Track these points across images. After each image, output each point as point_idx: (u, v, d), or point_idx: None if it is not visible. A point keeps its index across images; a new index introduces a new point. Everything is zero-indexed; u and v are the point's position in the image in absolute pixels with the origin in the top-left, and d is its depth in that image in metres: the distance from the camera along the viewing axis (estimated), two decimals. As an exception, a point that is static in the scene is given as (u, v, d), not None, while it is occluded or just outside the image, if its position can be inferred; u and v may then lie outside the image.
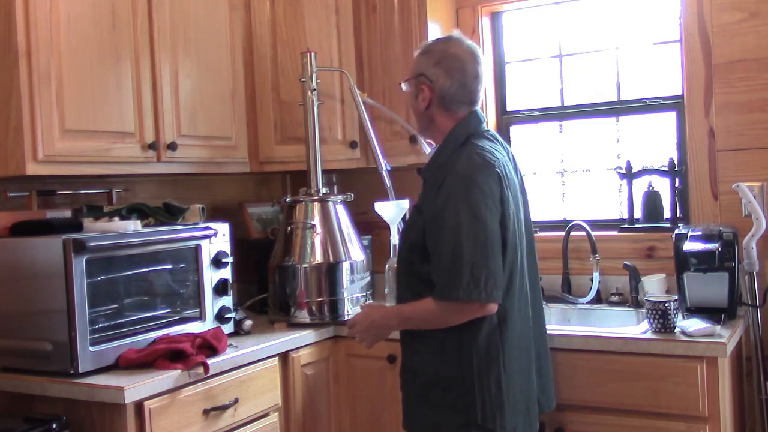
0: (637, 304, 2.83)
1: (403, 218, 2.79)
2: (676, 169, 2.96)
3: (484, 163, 2.06)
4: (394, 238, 2.78)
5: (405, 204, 2.77)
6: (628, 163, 3.04)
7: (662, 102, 3.07)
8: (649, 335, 2.37)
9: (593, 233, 2.94)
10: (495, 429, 2.06)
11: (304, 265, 2.78)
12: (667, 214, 3.00)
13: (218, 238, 2.58)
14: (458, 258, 1.96)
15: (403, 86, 2.29)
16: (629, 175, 3.03)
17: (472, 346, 2.05)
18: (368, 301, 2.89)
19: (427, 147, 2.71)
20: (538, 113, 3.33)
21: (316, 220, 2.83)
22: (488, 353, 2.06)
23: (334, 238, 2.83)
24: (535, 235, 2.97)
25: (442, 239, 2.00)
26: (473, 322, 2.04)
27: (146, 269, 2.39)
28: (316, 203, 2.85)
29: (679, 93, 2.99)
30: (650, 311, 2.40)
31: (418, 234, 2.10)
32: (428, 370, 2.13)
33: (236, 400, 2.35)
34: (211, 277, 2.56)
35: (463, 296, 1.96)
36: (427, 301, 2.04)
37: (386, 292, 2.96)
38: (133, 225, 2.39)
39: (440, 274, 2.00)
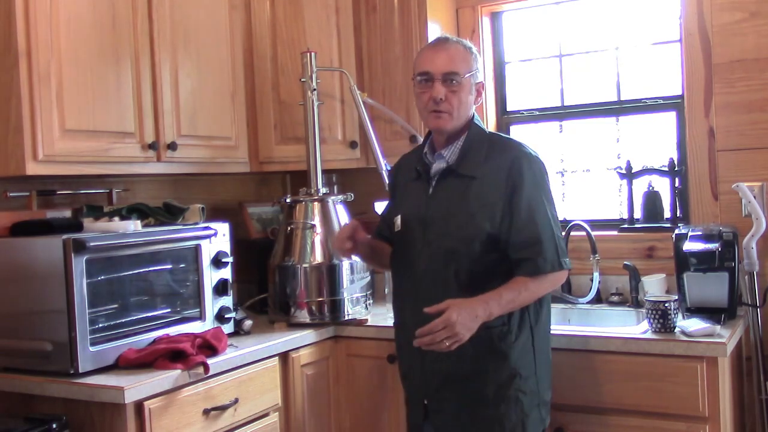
0: (637, 304, 2.83)
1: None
2: (676, 169, 2.96)
3: (536, 152, 2.22)
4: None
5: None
6: (628, 163, 3.04)
7: (662, 102, 3.07)
8: (649, 335, 2.37)
9: (593, 233, 2.94)
10: (550, 402, 2.23)
11: (304, 265, 2.78)
12: (667, 214, 3.01)
13: (218, 238, 2.58)
14: (553, 234, 2.12)
15: (464, 81, 2.16)
16: (629, 175, 3.03)
17: (543, 331, 2.21)
18: (369, 302, 2.88)
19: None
20: (538, 113, 3.34)
21: (316, 220, 2.83)
22: (548, 335, 2.25)
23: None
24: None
25: (538, 221, 2.11)
26: (545, 307, 2.21)
27: (146, 269, 2.39)
28: (316, 203, 2.85)
29: (679, 93, 2.99)
30: (650, 311, 2.40)
31: (490, 224, 2.11)
32: (500, 369, 2.12)
33: (236, 400, 2.35)
34: (211, 277, 2.56)
35: (566, 265, 2.14)
36: (520, 281, 2.09)
37: (386, 292, 2.96)
38: (133, 225, 2.39)
39: (543, 250, 2.09)
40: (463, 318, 1.95)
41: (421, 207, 2.22)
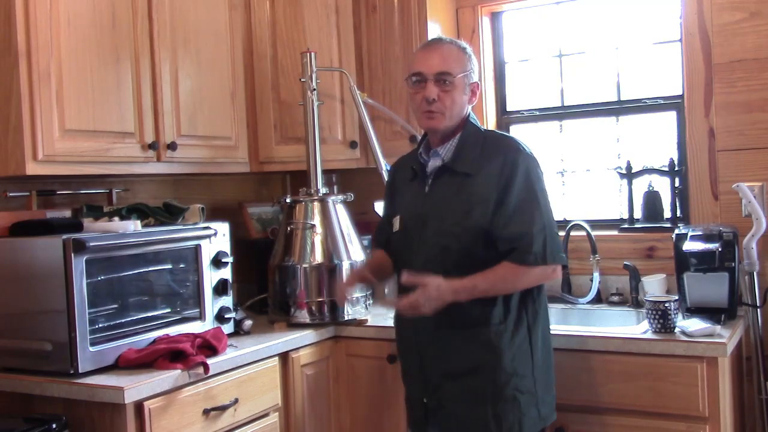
0: (637, 304, 2.84)
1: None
2: (676, 169, 2.96)
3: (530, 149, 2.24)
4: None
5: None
6: (628, 163, 3.04)
7: (662, 102, 3.07)
8: (649, 335, 2.37)
9: (593, 233, 2.94)
10: (553, 401, 2.24)
11: (304, 265, 2.78)
12: (667, 214, 3.01)
13: (218, 238, 2.58)
14: (543, 228, 2.11)
15: (457, 81, 2.18)
16: (629, 175, 3.03)
17: (541, 330, 2.20)
18: (369, 302, 2.88)
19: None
20: (538, 113, 3.33)
21: (316, 220, 2.83)
22: (547, 334, 2.25)
23: (334, 238, 2.83)
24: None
25: (527, 214, 2.11)
26: (543, 306, 2.21)
27: (146, 269, 2.39)
28: (316, 203, 2.85)
29: (679, 93, 2.99)
30: (650, 311, 2.40)
31: (485, 219, 2.11)
32: (497, 367, 2.12)
33: (236, 400, 2.35)
34: (211, 277, 2.56)
35: (553, 260, 2.12)
36: (506, 267, 2.09)
37: (386, 293, 2.96)
38: (133, 225, 2.38)
39: (530, 242, 2.09)
40: (431, 300, 2.06)
41: (418, 206, 2.24)
